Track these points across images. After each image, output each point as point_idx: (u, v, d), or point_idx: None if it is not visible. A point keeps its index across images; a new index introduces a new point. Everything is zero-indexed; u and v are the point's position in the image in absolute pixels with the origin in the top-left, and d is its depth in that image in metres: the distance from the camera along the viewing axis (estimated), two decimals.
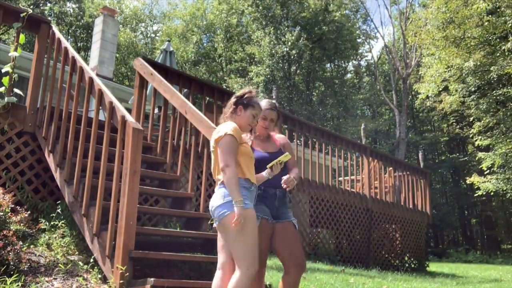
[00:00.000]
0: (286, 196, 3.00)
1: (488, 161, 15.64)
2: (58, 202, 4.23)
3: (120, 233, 3.23)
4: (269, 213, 2.86)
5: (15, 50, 4.67)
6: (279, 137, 3.14)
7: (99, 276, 3.45)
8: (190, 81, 6.25)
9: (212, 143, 2.76)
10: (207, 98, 6.36)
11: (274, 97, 9.30)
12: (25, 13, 4.69)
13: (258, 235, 2.68)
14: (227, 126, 2.71)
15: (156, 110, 7.97)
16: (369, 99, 33.59)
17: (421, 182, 11.20)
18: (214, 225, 2.67)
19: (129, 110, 4.28)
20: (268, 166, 2.80)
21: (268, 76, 26.27)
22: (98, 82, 3.94)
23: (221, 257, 2.68)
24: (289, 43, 26.11)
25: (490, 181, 15.76)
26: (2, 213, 3.42)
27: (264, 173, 2.80)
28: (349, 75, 34.71)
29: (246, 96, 2.84)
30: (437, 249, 27.00)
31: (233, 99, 2.85)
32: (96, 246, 3.49)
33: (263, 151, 2.97)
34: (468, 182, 17.71)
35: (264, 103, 3.01)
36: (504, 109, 15.74)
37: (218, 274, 2.67)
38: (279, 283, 2.92)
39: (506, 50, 13.82)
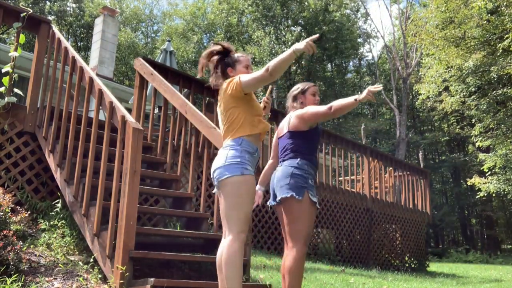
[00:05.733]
0: None
1: (489, 162, 15.60)
2: (58, 202, 4.23)
3: (120, 233, 3.23)
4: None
5: (15, 50, 4.67)
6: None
7: (99, 276, 3.45)
8: (190, 81, 6.25)
9: (224, 96, 2.71)
10: (207, 98, 6.36)
11: (274, 97, 9.29)
12: (25, 13, 4.69)
13: (313, 220, 2.89)
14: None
15: (156, 110, 7.98)
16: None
17: (421, 182, 11.20)
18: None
19: (129, 110, 4.27)
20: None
21: None
22: (98, 82, 3.94)
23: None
24: (289, 43, 26.10)
25: (491, 183, 15.73)
26: (2, 213, 3.42)
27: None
28: (349, 75, 34.72)
29: (225, 54, 2.79)
30: (437, 249, 26.99)
31: (215, 63, 2.79)
32: (96, 246, 3.49)
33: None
34: (469, 183, 17.68)
35: (303, 83, 3.29)
36: (504, 109, 15.72)
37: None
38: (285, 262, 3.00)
39: (503, 49, 13.79)
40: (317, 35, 2.57)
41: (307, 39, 2.49)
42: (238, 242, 2.47)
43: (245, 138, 2.59)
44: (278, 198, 2.94)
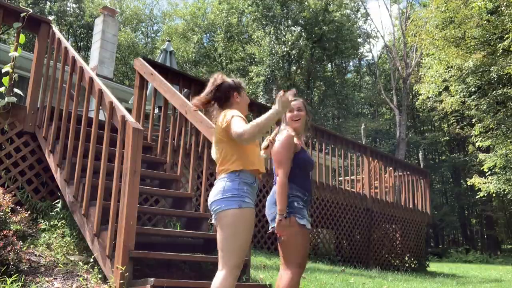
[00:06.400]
0: None
1: (489, 162, 15.61)
2: (58, 202, 4.23)
3: (120, 233, 3.23)
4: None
5: (15, 50, 4.67)
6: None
7: (99, 276, 3.45)
8: (191, 81, 6.26)
9: (218, 133, 2.59)
10: None
11: (274, 97, 9.30)
12: (25, 13, 4.69)
13: (305, 243, 2.76)
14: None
15: (156, 110, 7.98)
16: (369, 98, 33.59)
17: (421, 182, 11.20)
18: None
19: (129, 110, 4.27)
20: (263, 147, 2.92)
21: (269, 76, 26.27)
22: (98, 82, 3.94)
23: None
24: (289, 43, 26.11)
25: (491, 183, 15.73)
26: (2, 213, 3.42)
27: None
28: (349, 75, 34.73)
29: (234, 81, 2.69)
30: (437, 249, 27.01)
31: (225, 88, 2.63)
32: (96, 246, 3.49)
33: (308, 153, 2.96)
34: (469, 183, 17.68)
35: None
36: (504, 110, 15.72)
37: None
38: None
39: (503, 49, 13.80)
40: (287, 92, 2.38)
41: (278, 99, 2.36)
42: (231, 279, 2.39)
43: (242, 169, 2.50)
44: (269, 228, 2.88)
